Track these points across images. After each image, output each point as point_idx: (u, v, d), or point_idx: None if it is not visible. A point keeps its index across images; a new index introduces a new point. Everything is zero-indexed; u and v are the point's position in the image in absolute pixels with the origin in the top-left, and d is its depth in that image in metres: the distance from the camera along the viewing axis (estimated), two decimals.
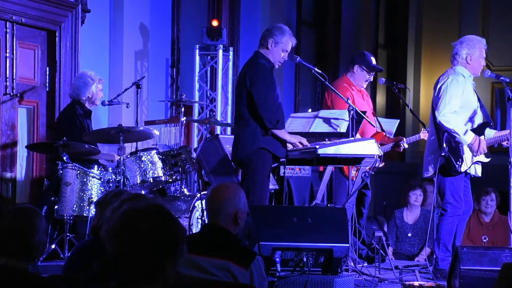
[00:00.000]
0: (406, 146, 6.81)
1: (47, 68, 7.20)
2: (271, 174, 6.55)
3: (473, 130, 5.86)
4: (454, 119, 5.78)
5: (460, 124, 5.81)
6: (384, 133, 6.64)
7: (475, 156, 5.84)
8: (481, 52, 5.95)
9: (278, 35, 5.83)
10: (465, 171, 5.89)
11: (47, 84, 7.20)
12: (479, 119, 5.94)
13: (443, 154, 5.78)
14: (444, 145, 5.78)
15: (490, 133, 6.02)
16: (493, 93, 11.83)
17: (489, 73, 6.02)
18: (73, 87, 6.72)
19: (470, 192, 6.07)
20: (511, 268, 2.40)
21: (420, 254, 7.39)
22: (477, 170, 5.99)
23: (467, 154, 5.84)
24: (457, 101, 5.81)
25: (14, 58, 6.81)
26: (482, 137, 5.89)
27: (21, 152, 6.98)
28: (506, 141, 5.93)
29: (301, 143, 5.81)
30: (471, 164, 5.86)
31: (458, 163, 5.81)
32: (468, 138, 5.79)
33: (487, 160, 5.91)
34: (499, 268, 2.42)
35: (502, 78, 5.90)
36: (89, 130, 6.49)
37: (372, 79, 6.95)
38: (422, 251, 7.38)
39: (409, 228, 7.65)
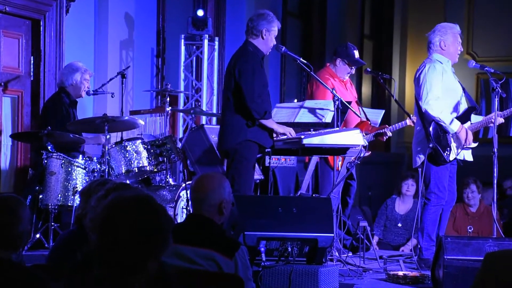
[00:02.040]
0: (389, 134, 6.83)
1: (32, 57, 7.16)
2: (256, 164, 6.57)
3: (458, 117, 5.88)
4: (438, 106, 5.79)
5: (445, 111, 5.82)
6: (369, 122, 6.66)
7: (463, 147, 5.87)
8: (454, 38, 5.97)
9: (268, 23, 5.84)
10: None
11: (32, 74, 7.16)
12: (464, 105, 5.97)
13: (431, 145, 5.80)
14: (431, 136, 5.81)
15: (475, 119, 6.03)
16: (478, 83, 11.88)
17: (473, 64, 6.04)
18: (60, 74, 6.69)
19: (455, 182, 6.09)
20: (494, 258, 2.41)
21: (406, 244, 7.41)
22: (466, 156, 6.00)
23: (454, 143, 5.86)
24: (438, 87, 5.83)
25: None
26: (468, 123, 5.91)
27: (5, 142, 6.95)
28: (491, 123, 5.94)
29: (285, 134, 5.80)
30: (460, 151, 5.89)
31: (446, 152, 5.83)
32: (454, 127, 5.81)
33: (475, 145, 5.93)
34: (483, 258, 2.43)
35: (486, 68, 5.92)
36: (75, 120, 6.46)
37: (354, 72, 6.96)
38: (408, 242, 7.41)
39: (399, 219, 7.67)
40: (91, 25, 7.86)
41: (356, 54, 6.80)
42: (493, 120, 5.81)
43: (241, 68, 5.73)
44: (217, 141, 6.00)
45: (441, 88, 5.84)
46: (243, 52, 5.85)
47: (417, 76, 5.93)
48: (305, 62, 6.10)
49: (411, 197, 7.71)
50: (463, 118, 5.90)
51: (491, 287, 2.32)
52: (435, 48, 5.98)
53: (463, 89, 6.06)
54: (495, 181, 5.72)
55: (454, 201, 6.15)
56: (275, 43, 5.95)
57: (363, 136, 5.88)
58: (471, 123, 5.95)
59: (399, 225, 7.61)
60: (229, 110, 5.80)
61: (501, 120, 5.91)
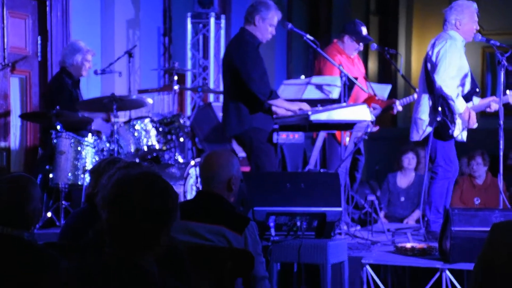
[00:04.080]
0: (400, 108, 6.84)
1: (39, 37, 7.18)
2: None
3: (463, 97, 5.89)
4: (452, 85, 5.79)
5: (455, 90, 5.83)
6: (377, 97, 6.67)
7: (465, 128, 5.88)
8: (470, 17, 5.93)
9: (264, 10, 5.81)
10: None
11: (39, 54, 7.19)
12: (468, 85, 5.97)
13: (439, 118, 5.81)
14: (440, 108, 5.81)
15: (475, 101, 6.04)
16: (484, 57, 11.83)
17: (479, 37, 6.02)
18: (62, 53, 6.72)
19: (456, 156, 6.12)
20: (500, 228, 2.44)
21: (410, 216, 7.45)
22: (463, 135, 6.02)
23: (458, 120, 5.88)
24: (455, 65, 5.82)
25: (5, 28, 6.78)
26: (470, 103, 5.92)
27: (15, 122, 6.99)
28: (488, 108, 5.97)
29: (301, 109, 5.82)
30: (462, 130, 5.90)
31: (452, 127, 5.85)
32: (461, 107, 5.81)
33: (474, 126, 5.95)
34: (489, 229, 2.46)
35: (492, 42, 5.91)
36: (79, 100, 6.49)
37: (362, 48, 6.96)
38: (412, 214, 7.45)
39: (402, 192, 7.69)
40: (97, 5, 7.87)
41: (364, 30, 6.78)
42: (488, 106, 5.83)
43: (239, 56, 5.73)
44: (222, 126, 6.02)
45: (457, 67, 5.84)
46: (239, 39, 5.85)
47: (436, 49, 5.85)
48: (312, 38, 6.10)
49: (412, 171, 7.73)
50: (466, 99, 5.91)
51: (497, 257, 2.35)
52: (450, 27, 5.95)
53: (471, 72, 6.05)
54: (501, 154, 5.74)
55: (456, 175, 6.16)
56: (273, 33, 5.93)
57: (371, 111, 5.89)
58: (473, 104, 5.96)
59: (402, 199, 7.64)
60: (230, 97, 5.83)
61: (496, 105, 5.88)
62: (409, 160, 7.72)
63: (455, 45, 5.86)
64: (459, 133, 5.90)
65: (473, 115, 5.85)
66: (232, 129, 5.82)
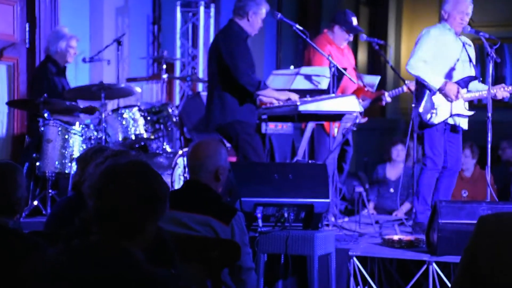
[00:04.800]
0: (389, 100, 6.84)
1: (27, 24, 7.12)
2: None
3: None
4: (421, 66, 5.78)
5: (429, 72, 5.82)
6: (366, 88, 6.67)
7: (451, 101, 5.83)
8: (459, 9, 5.90)
9: (256, 5, 5.82)
10: (445, 124, 5.91)
11: (27, 41, 7.13)
12: (459, 75, 5.94)
13: (415, 107, 5.85)
14: (414, 98, 5.85)
15: (482, 87, 5.96)
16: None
17: (469, 29, 6.02)
18: (46, 41, 6.67)
19: (459, 149, 6.08)
20: (486, 221, 2.44)
21: (400, 209, 7.46)
22: (462, 123, 5.98)
23: (442, 106, 5.85)
24: (427, 51, 5.81)
25: None
26: (464, 90, 5.89)
27: (2, 109, 6.93)
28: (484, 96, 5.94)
29: (289, 99, 5.80)
30: (449, 116, 5.86)
31: (431, 114, 5.82)
32: (435, 83, 5.77)
33: (469, 113, 5.91)
34: (476, 221, 2.46)
35: (481, 34, 5.90)
36: (64, 88, 6.45)
37: (352, 39, 6.96)
38: (402, 206, 7.46)
39: (391, 184, 7.70)
40: None
41: (355, 21, 6.78)
42: (485, 94, 5.81)
43: (227, 48, 5.71)
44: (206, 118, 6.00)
45: (433, 53, 5.83)
46: (228, 31, 5.84)
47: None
48: (301, 28, 6.09)
49: (401, 162, 7.72)
50: (459, 84, 5.88)
51: (484, 250, 2.35)
52: (441, 17, 6.00)
53: (470, 60, 6.01)
54: (489, 146, 5.74)
55: (458, 167, 6.13)
56: (261, 26, 5.92)
57: (359, 102, 5.89)
58: (468, 91, 5.93)
59: (391, 190, 7.64)
60: (214, 88, 5.82)
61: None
62: (398, 152, 7.72)
63: (428, 31, 5.87)
64: (444, 119, 5.85)
65: (454, 87, 5.80)
66: (216, 120, 5.81)
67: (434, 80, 5.78)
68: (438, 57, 5.85)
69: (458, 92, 5.77)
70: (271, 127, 6.87)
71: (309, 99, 5.85)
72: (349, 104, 5.66)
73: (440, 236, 4.81)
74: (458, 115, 5.89)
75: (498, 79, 6.46)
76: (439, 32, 5.90)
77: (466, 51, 6.02)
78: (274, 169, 5.10)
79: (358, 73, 6.79)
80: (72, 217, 2.94)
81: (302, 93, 6.07)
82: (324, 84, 6.09)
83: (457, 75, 5.92)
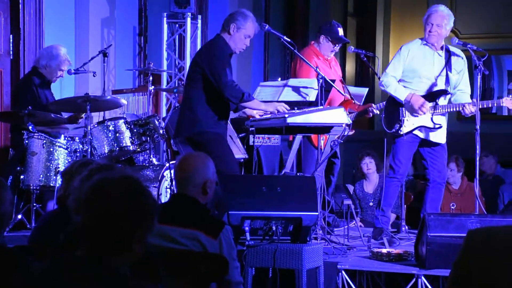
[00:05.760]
0: (376, 112, 6.84)
1: (11, 36, 7.06)
2: (239, 143, 6.54)
3: (423, 96, 5.92)
4: (389, 81, 5.94)
5: (397, 86, 5.92)
6: (353, 101, 6.65)
7: (415, 116, 5.90)
8: (425, 18, 5.97)
9: (241, 20, 5.75)
10: (415, 136, 5.95)
11: (11, 52, 7.07)
12: (425, 86, 5.98)
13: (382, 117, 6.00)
14: (384, 109, 5.95)
15: (465, 100, 5.99)
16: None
17: (456, 41, 6.03)
18: (39, 53, 6.60)
19: (440, 160, 6.09)
20: (475, 235, 2.42)
21: None
22: (433, 137, 6.00)
23: (409, 117, 5.90)
24: (398, 68, 5.97)
25: None
26: (432, 103, 5.93)
27: None
28: (463, 111, 5.96)
29: (278, 110, 5.74)
30: (415, 128, 5.92)
31: (397, 125, 5.91)
32: (400, 95, 5.90)
33: (431, 125, 5.95)
34: (465, 234, 2.43)
35: (469, 46, 5.91)
36: (48, 100, 6.38)
37: (338, 50, 6.95)
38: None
39: (370, 197, 7.68)
40: (71, 3, 7.77)
41: (340, 31, 6.78)
42: (462, 107, 5.86)
43: (210, 62, 5.64)
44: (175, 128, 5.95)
45: (403, 70, 5.96)
46: (213, 45, 5.79)
47: None
48: (289, 40, 6.06)
49: (374, 174, 7.70)
50: (428, 98, 5.92)
51: (472, 264, 2.33)
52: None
53: (447, 74, 6.01)
54: (478, 158, 5.74)
55: (442, 180, 6.14)
56: (247, 45, 5.86)
57: (347, 114, 5.86)
58: (435, 104, 5.95)
59: (371, 203, 7.63)
60: (187, 97, 5.76)
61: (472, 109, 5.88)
62: (367, 164, 7.71)
63: (406, 50, 6.01)
64: (409, 130, 5.91)
65: (418, 99, 5.84)
66: (184, 130, 5.75)
67: (400, 92, 5.91)
68: (410, 73, 5.92)
69: (422, 105, 5.82)
70: (259, 139, 6.83)
71: (297, 111, 5.82)
72: (338, 116, 5.63)
73: (429, 249, 4.79)
74: (422, 127, 5.94)
75: (486, 91, 6.47)
76: (410, 48, 5.99)
77: (449, 63, 6.01)
78: (262, 182, 5.06)
79: (344, 85, 6.77)
80: (57, 231, 2.90)
81: (290, 105, 6.03)
82: (312, 96, 6.06)
83: (426, 87, 5.98)
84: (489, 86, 11.33)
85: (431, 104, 5.90)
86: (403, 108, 5.93)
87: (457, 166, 7.66)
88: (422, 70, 5.96)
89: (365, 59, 6.89)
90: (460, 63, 6.06)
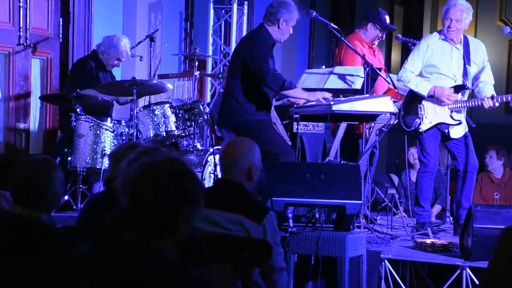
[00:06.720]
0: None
1: (61, 19, 7.15)
2: (283, 130, 6.53)
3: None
4: (408, 76, 5.87)
5: (417, 80, 5.85)
6: (397, 90, 6.60)
7: (444, 105, 5.78)
8: (443, 13, 5.89)
9: (288, 13, 5.74)
10: (438, 130, 5.88)
11: (61, 35, 7.16)
12: (448, 84, 5.87)
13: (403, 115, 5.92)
14: (403, 105, 5.92)
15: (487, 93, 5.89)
16: (511, 50, 11.67)
17: (508, 30, 5.92)
18: (102, 38, 6.66)
19: (466, 149, 6.00)
20: (509, 233, 2.37)
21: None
22: (454, 133, 5.91)
23: (430, 114, 5.82)
24: (416, 62, 5.90)
25: (28, 8, 6.75)
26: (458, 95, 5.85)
27: (35, 103, 6.97)
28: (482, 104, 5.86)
29: (325, 98, 5.70)
30: (434, 125, 5.83)
31: (415, 123, 5.82)
32: (423, 90, 5.79)
33: (451, 121, 5.85)
34: None
35: None
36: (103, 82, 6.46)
37: (384, 38, 6.91)
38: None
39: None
40: None
41: (387, 19, 6.75)
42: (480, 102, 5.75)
43: (252, 51, 5.65)
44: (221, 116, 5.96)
45: (421, 64, 5.89)
46: (256, 35, 5.78)
47: None
48: (336, 27, 6.03)
49: None
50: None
51: (504, 262, 2.29)
52: None
53: (466, 68, 5.90)
54: None
55: (472, 169, 6.05)
56: (291, 32, 5.86)
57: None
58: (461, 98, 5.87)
59: None
60: (231, 87, 5.76)
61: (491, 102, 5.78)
62: (413, 155, 7.66)
63: (419, 43, 5.98)
64: (429, 127, 5.82)
65: (442, 90, 5.76)
66: (229, 121, 5.77)
67: (422, 87, 5.82)
68: (428, 69, 5.84)
69: (449, 93, 5.72)
70: (302, 127, 6.81)
71: (343, 98, 5.79)
72: (384, 105, 5.59)
73: (475, 240, 4.74)
74: (443, 124, 5.85)
75: None
76: (429, 43, 5.91)
77: (467, 57, 5.89)
78: (306, 169, 5.05)
79: (387, 74, 6.72)
80: (104, 213, 2.93)
81: (335, 92, 6.01)
82: (358, 84, 6.02)
83: (445, 84, 5.87)
84: None
85: (450, 89, 5.82)
86: (421, 105, 5.84)
87: (497, 154, 7.64)
88: (441, 65, 5.87)
89: (413, 47, 6.82)
90: (480, 55, 5.94)
